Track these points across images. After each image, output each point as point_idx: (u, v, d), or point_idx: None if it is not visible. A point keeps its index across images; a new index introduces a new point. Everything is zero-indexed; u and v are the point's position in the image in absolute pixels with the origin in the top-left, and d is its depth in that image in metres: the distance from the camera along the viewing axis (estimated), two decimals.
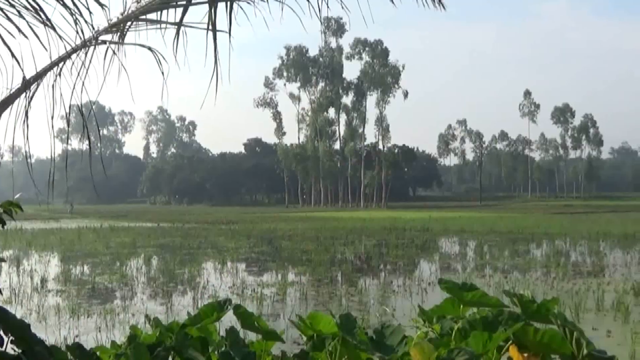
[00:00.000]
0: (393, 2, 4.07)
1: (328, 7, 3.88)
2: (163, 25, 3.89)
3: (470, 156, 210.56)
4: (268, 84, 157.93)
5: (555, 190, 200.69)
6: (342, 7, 3.89)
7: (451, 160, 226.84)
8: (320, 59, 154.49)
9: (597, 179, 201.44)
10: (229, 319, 3.40)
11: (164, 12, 3.89)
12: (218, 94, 3.68)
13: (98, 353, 3.25)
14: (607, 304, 16.61)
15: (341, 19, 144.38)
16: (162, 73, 3.95)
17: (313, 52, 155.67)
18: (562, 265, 26.21)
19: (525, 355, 2.78)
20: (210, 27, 3.71)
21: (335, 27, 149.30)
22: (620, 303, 16.11)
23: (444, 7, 4.15)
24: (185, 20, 3.80)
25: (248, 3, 3.84)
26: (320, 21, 3.91)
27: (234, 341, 3.24)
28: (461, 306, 3.14)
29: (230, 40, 3.74)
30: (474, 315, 2.98)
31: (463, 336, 2.82)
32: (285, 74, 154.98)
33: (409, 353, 2.77)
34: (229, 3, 3.75)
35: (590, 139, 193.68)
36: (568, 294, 18.35)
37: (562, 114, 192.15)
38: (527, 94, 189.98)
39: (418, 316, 3.23)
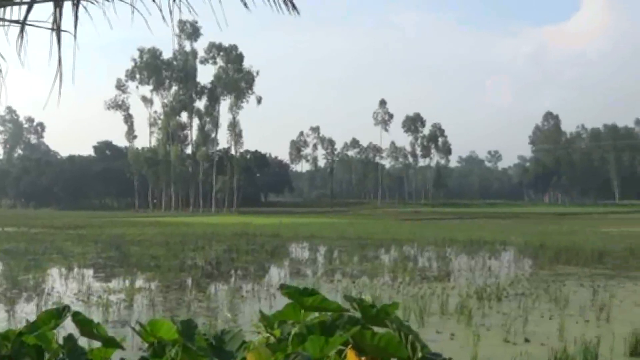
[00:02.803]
0: (247, 6, 4.08)
1: (180, 10, 3.86)
2: (7, 23, 3.79)
3: (322, 163, 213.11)
4: (120, 86, 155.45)
5: (405, 197, 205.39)
6: (190, 12, 3.87)
7: (303, 167, 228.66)
8: (174, 62, 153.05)
9: (445, 186, 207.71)
10: (73, 327, 3.33)
11: (7, 9, 3.79)
12: (68, 95, 3.62)
13: None
14: (451, 308, 17.09)
15: (196, 22, 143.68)
16: (0, 71, 3.85)
17: (167, 54, 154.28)
18: (409, 270, 26.74)
19: (363, 358, 2.84)
20: (55, 27, 3.64)
21: (190, 30, 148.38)
22: (464, 307, 16.58)
23: (297, 12, 4.20)
24: (30, 18, 3.71)
25: (93, 4, 3.78)
26: (169, 24, 3.87)
27: (71, 349, 3.17)
28: (302, 311, 3.18)
29: (75, 41, 3.68)
30: (312, 319, 3.02)
31: (300, 341, 2.85)
32: (137, 76, 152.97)
33: None
34: (74, 3, 3.68)
35: (439, 147, 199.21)
36: (414, 298, 18.74)
37: (413, 123, 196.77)
38: (382, 103, 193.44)
39: (259, 321, 3.24)
